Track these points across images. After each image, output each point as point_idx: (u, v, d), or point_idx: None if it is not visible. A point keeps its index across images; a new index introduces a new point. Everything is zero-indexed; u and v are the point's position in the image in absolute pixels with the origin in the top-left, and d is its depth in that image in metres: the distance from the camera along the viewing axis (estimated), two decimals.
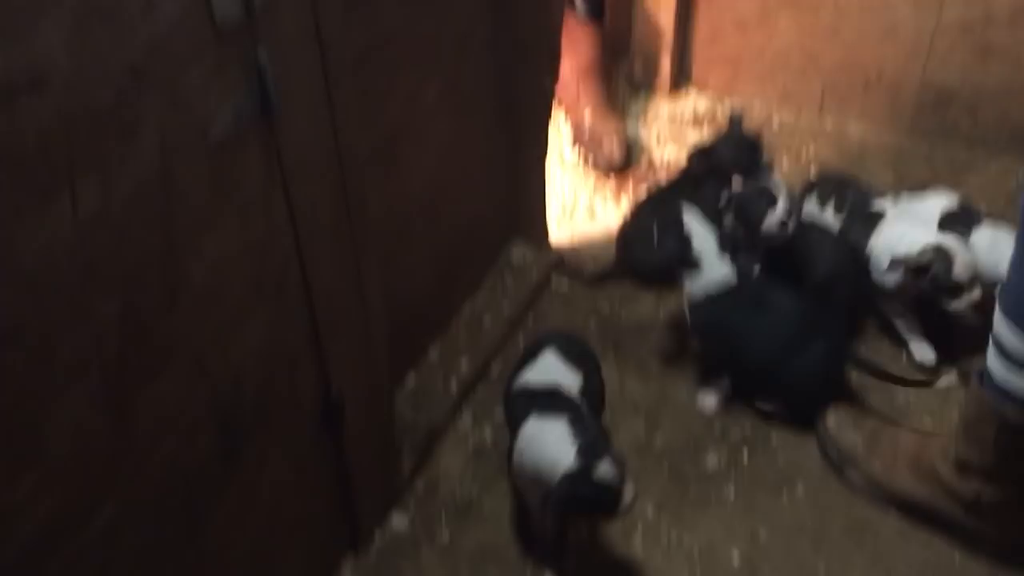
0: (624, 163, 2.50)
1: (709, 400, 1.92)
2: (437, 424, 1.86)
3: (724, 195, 2.01)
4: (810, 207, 2.13)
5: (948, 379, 1.94)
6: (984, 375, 1.50)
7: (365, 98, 1.52)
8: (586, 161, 2.56)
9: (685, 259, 1.83)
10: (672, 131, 2.66)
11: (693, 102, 2.78)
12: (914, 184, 2.35)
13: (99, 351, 1.00)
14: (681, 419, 1.91)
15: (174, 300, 1.09)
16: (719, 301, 1.83)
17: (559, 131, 2.66)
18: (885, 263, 1.89)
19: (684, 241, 1.83)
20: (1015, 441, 1.49)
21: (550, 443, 1.50)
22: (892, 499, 1.73)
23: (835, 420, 1.82)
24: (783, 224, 1.92)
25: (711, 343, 1.92)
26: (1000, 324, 1.44)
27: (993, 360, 1.47)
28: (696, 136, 2.62)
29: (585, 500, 1.45)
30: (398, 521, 1.73)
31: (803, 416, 1.85)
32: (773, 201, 1.92)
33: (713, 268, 1.82)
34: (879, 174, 2.48)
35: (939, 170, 2.48)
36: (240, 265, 1.20)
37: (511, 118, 2.03)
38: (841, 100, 2.66)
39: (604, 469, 1.43)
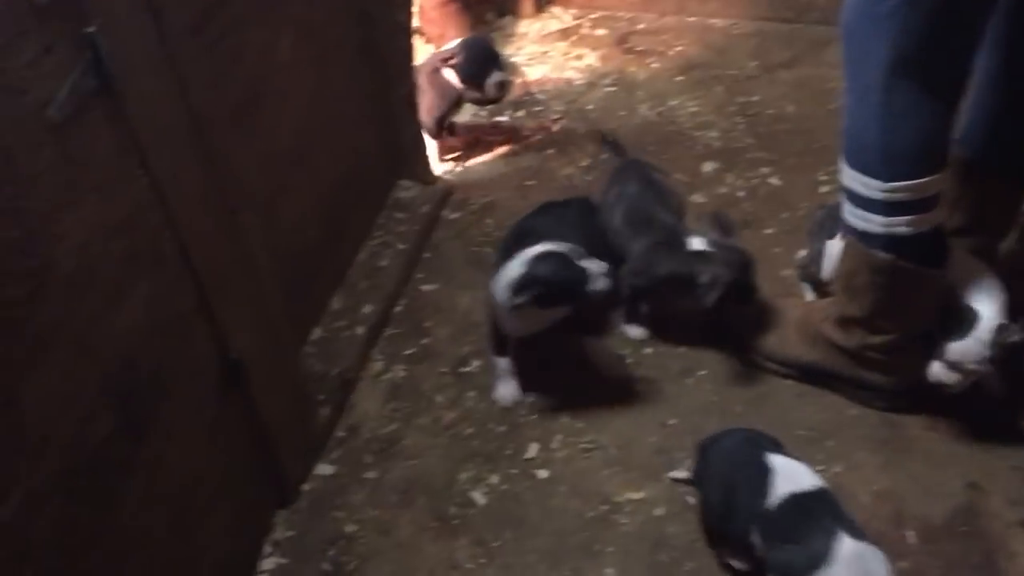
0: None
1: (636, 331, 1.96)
2: (349, 371, 1.89)
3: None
4: None
5: None
6: (846, 227, 1.60)
7: (215, 58, 1.50)
8: None
9: None
10: (542, 50, 2.68)
11: (558, 19, 2.80)
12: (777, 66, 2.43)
13: None
14: None
15: (42, 287, 1.08)
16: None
17: None
18: None
19: None
20: (886, 285, 1.58)
21: None
22: (787, 367, 1.82)
23: None
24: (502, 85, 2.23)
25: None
26: (845, 173, 1.55)
27: (847, 208, 1.58)
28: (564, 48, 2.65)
29: None
30: (324, 469, 1.76)
31: None
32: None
33: None
34: (743, 62, 2.55)
35: (799, 51, 2.56)
36: (109, 243, 1.20)
37: (374, 60, 2.03)
38: None
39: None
